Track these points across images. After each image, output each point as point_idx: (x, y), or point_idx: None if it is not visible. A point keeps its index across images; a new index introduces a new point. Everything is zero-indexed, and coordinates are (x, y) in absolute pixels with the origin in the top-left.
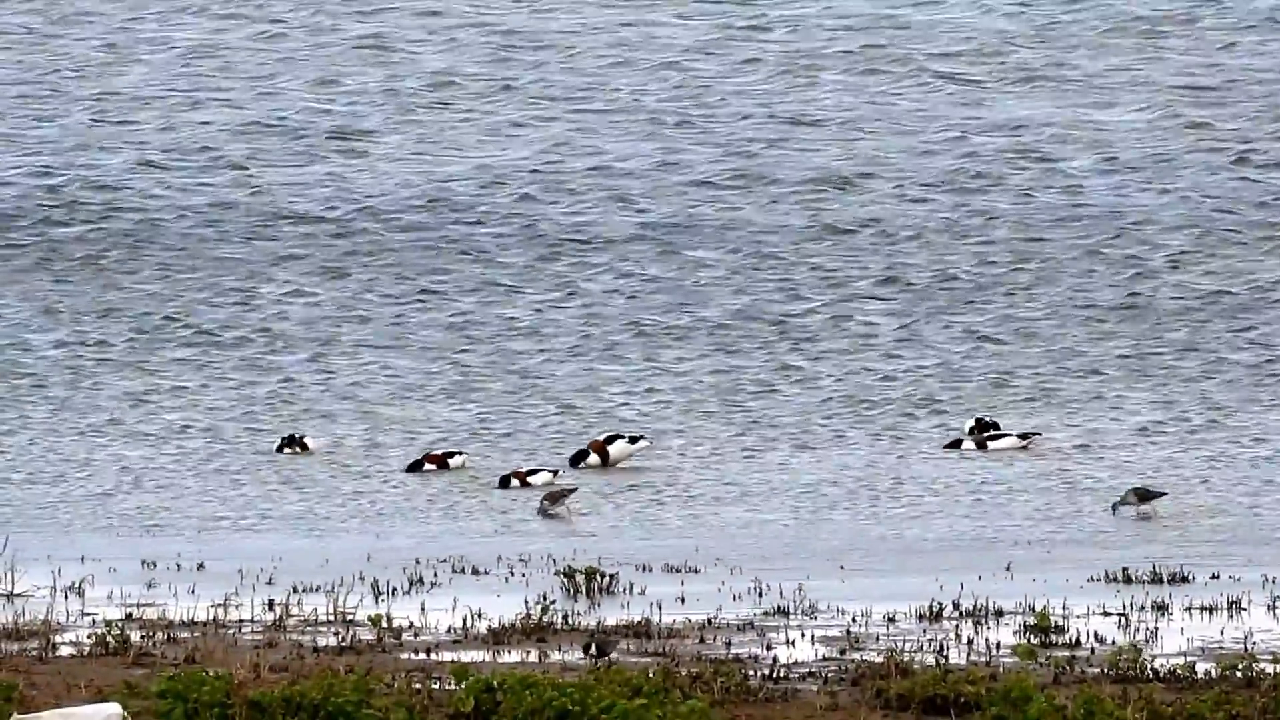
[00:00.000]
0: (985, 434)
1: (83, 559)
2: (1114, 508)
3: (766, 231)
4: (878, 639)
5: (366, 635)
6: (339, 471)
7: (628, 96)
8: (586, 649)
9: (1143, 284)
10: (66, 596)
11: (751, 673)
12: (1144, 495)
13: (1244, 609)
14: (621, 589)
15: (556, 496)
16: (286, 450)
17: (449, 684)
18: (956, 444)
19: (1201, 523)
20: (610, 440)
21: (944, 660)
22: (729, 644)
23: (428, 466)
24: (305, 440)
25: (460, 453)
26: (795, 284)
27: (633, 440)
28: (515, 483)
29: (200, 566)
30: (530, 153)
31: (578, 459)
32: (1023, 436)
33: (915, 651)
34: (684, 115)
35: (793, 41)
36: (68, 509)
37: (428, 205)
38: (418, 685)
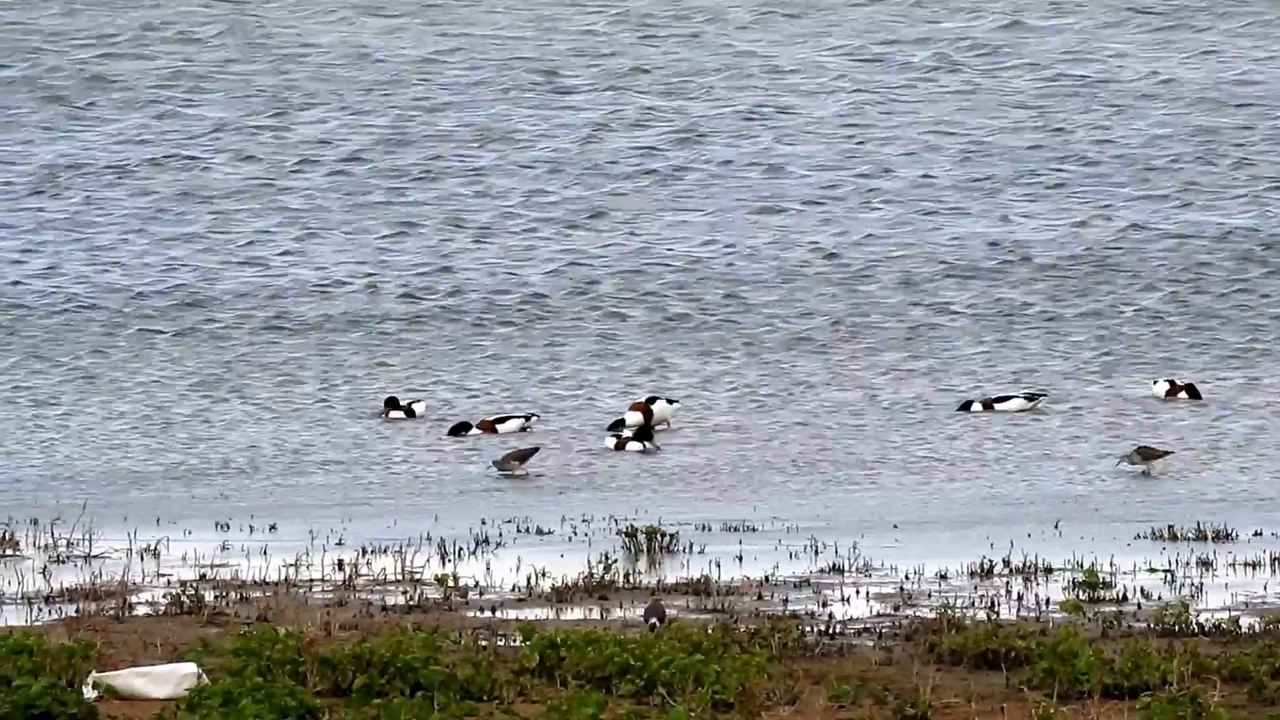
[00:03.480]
0: (994, 397)
1: (158, 521)
2: (1119, 463)
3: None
4: (930, 595)
5: (434, 594)
6: (419, 436)
7: None
8: (650, 625)
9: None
10: (142, 558)
11: (808, 629)
12: (1148, 454)
13: None
14: (681, 548)
15: (522, 455)
16: (393, 414)
17: (514, 640)
18: (967, 406)
19: (1243, 481)
20: (652, 400)
21: (995, 616)
22: (786, 601)
23: (474, 432)
24: (413, 406)
25: (513, 417)
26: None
27: (670, 402)
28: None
29: (272, 528)
30: None
31: (620, 424)
32: (1029, 398)
33: (967, 607)
34: None
35: None
36: (143, 471)
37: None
38: (483, 642)
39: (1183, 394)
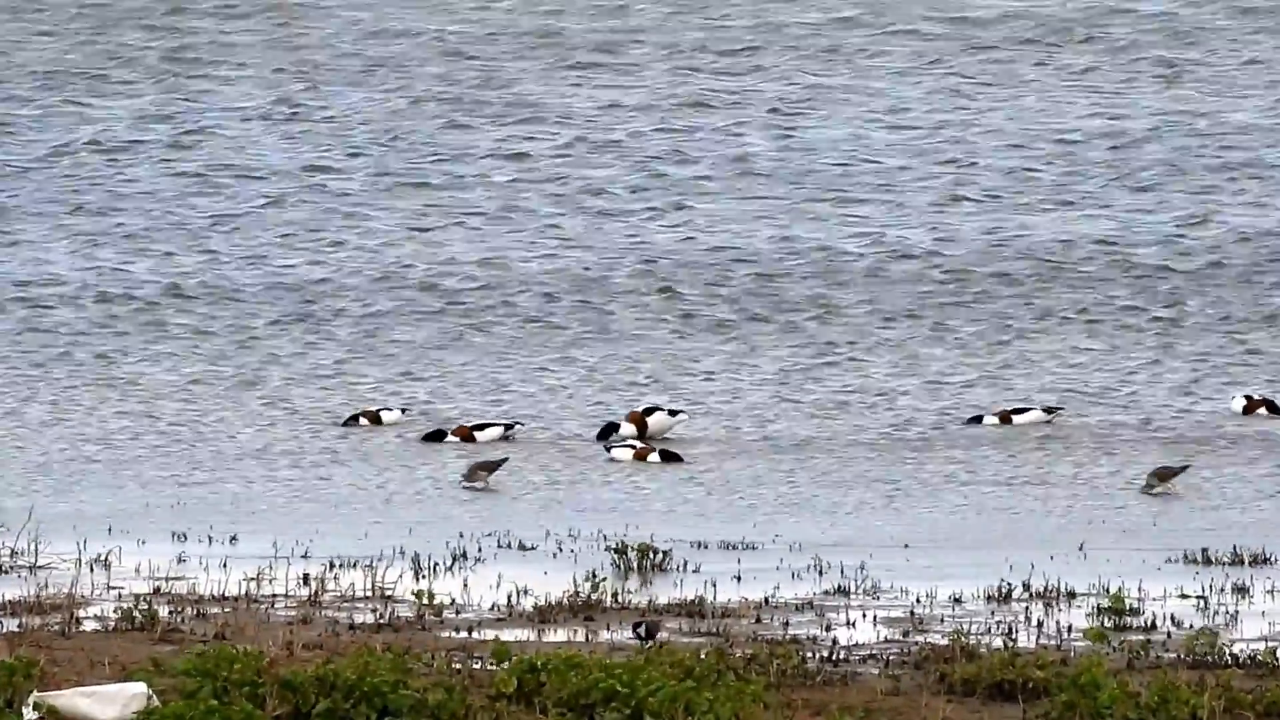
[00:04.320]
0: (1011, 409)
1: (110, 530)
2: (1143, 490)
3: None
4: (943, 620)
5: (406, 612)
6: (395, 446)
7: None
8: (639, 634)
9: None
10: (92, 569)
11: (810, 654)
12: (1164, 474)
13: None
14: (675, 566)
15: (489, 466)
16: (360, 424)
17: (491, 664)
18: (978, 419)
19: None
20: (649, 412)
21: (1012, 643)
22: (786, 624)
23: (450, 439)
24: (380, 413)
25: (494, 424)
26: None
27: (672, 414)
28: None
29: (233, 539)
30: None
31: (608, 431)
32: (1047, 410)
33: (982, 634)
34: None
35: None
36: (96, 477)
37: None
38: (458, 665)
39: (1262, 410)
